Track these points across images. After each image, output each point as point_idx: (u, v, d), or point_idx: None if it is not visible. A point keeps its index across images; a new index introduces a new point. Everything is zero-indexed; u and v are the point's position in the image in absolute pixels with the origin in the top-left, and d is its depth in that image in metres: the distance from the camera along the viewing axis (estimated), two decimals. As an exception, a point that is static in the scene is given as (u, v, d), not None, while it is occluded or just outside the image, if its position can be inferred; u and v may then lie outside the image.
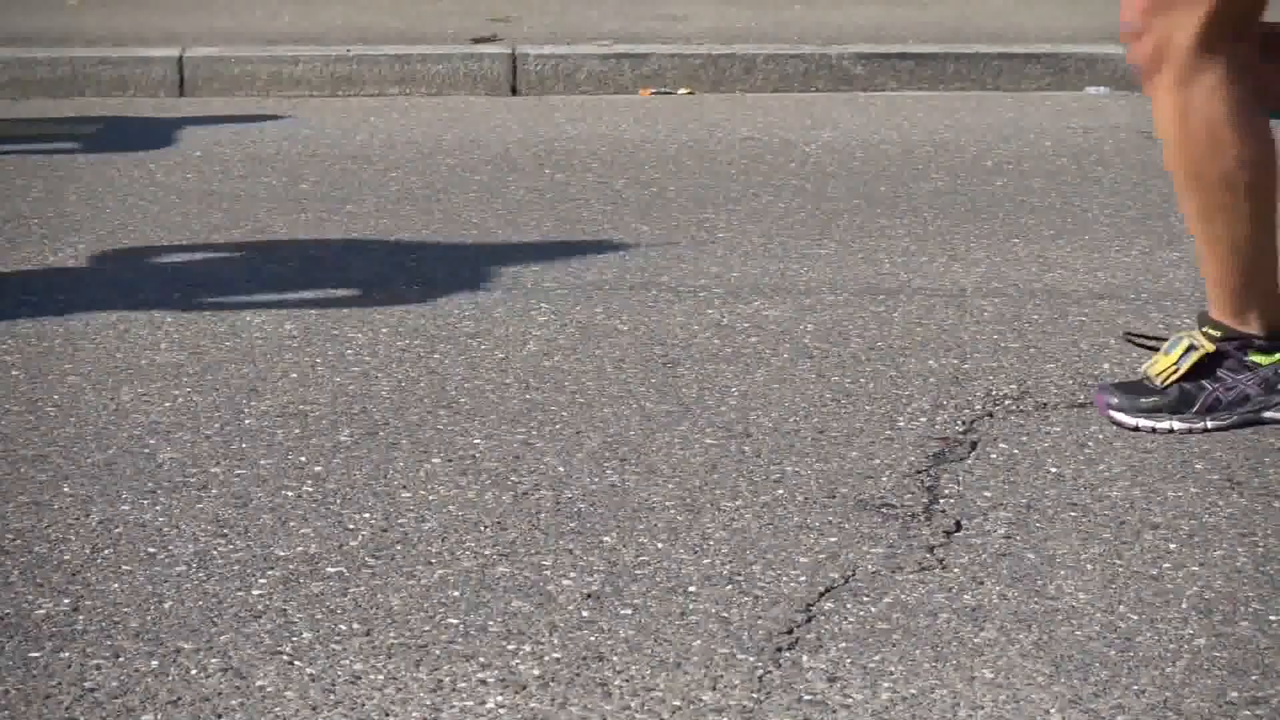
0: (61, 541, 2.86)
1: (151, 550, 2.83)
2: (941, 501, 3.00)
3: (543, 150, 5.94)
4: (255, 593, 2.68)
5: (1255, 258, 3.24)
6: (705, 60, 7.16)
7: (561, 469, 3.14)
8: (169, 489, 3.06)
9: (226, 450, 3.24)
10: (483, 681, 2.42)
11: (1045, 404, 3.46)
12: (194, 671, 2.44)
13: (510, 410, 3.43)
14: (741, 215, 5.03)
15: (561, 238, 4.78)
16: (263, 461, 3.18)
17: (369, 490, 3.06)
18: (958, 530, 2.89)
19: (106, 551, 2.82)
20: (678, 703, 2.36)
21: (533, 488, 3.06)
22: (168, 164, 5.75)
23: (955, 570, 2.74)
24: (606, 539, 2.86)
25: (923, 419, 3.38)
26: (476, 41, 7.37)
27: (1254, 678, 2.42)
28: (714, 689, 2.39)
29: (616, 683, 2.41)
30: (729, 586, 2.69)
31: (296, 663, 2.46)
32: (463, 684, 2.41)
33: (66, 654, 2.49)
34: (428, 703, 2.36)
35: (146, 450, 3.24)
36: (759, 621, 2.58)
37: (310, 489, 3.06)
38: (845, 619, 2.59)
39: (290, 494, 3.04)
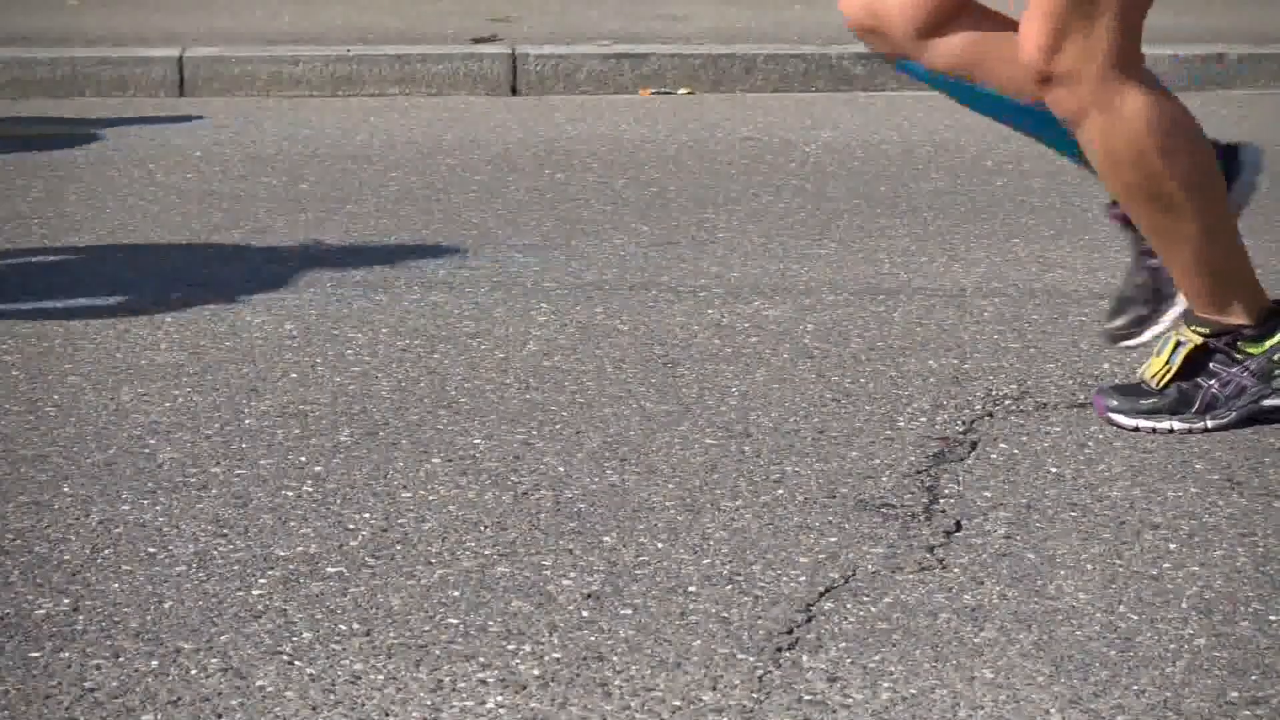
0: (61, 541, 2.86)
1: (151, 550, 2.83)
2: (941, 501, 3.00)
3: (543, 150, 5.94)
4: (255, 593, 2.68)
5: (1225, 246, 3.25)
6: (705, 60, 7.16)
7: (561, 469, 3.15)
8: (169, 489, 3.07)
9: (226, 450, 3.24)
10: (483, 681, 2.42)
11: (1045, 404, 3.46)
12: (194, 671, 2.44)
13: (510, 410, 3.43)
14: (741, 215, 5.03)
15: (561, 238, 4.78)
16: (263, 461, 3.18)
17: (369, 490, 3.06)
18: (958, 530, 2.89)
19: (106, 551, 2.82)
20: (678, 703, 2.36)
21: (533, 488, 3.06)
22: (168, 164, 5.75)
23: (955, 570, 2.75)
24: (606, 539, 2.86)
25: (923, 419, 3.38)
26: (476, 41, 7.37)
27: (1254, 678, 2.42)
28: (714, 689, 2.39)
29: (616, 683, 2.41)
30: (729, 586, 2.69)
31: (296, 663, 2.46)
32: (463, 684, 2.41)
33: (66, 654, 2.49)
34: (428, 703, 2.36)
35: (146, 450, 3.24)
36: (759, 621, 2.58)
37: (310, 489, 3.06)
38: (845, 619, 2.59)
39: (290, 494, 3.04)
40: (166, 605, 2.64)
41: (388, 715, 2.34)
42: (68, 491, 3.06)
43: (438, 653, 2.49)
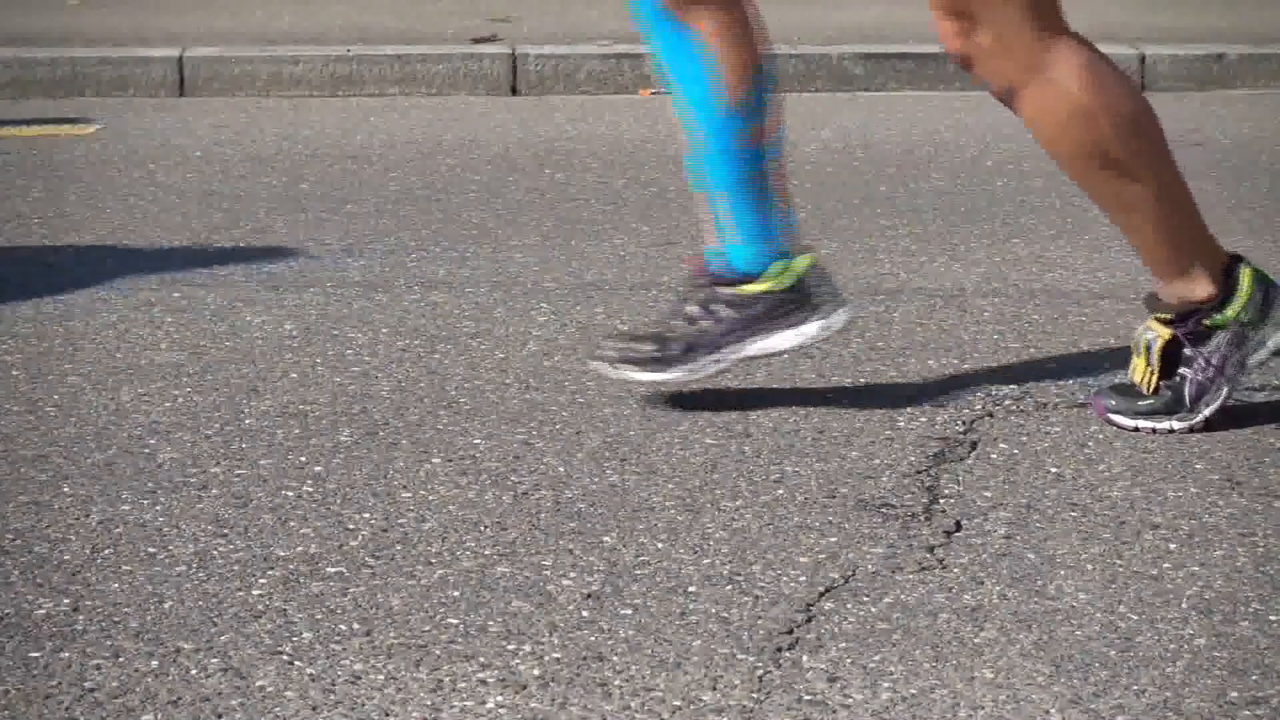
0: (61, 541, 2.86)
1: (151, 550, 2.83)
2: (941, 501, 3.00)
3: (543, 150, 5.94)
4: (255, 593, 2.68)
5: (1181, 207, 3.22)
6: (705, 60, 7.15)
7: (561, 469, 3.15)
8: (169, 489, 3.07)
9: (226, 450, 3.24)
10: (483, 681, 2.42)
11: (1045, 404, 3.46)
12: (194, 671, 2.44)
13: (510, 410, 3.43)
14: (741, 215, 5.02)
15: (561, 238, 4.78)
16: (263, 461, 3.18)
17: (369, 490, 3.06)
18: (958, 530, 2.89)
19: (106, 551, 2.82)
20: (678, 703, 2.36)
21: (533, 488, 3.06)
22: (168, 164, 5.75)
23: (955, 570, 2.75)
24: (606, 539, 2.86)
25: (923, 419, 3.38)
26: (476, 41, 7.37)
27: (1254, 678, 2.42)
28: (714, 689, 2.39)
29: (616, 683, 2.41)
30: (729, 586, 2.69)
31: (296, 663, 2.46)
32: (463, 684, 2.41)
33: (66, 654, 2.49)
34: (428, 703, 2.36)
35: (146, 450, 3.24)
36: (759, 621, 2.58)
37: (310, 489, 3.06)
38: (845, 619, 2.59)
39: (290, 494, 3.04)
40: (166, 605, 2.64)
41: (388, 715, 2.34)
42: (68, 491, 3.06)
43: (438, 653, 2.49)
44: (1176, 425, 3.28)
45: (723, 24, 3.26)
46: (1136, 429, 3.29)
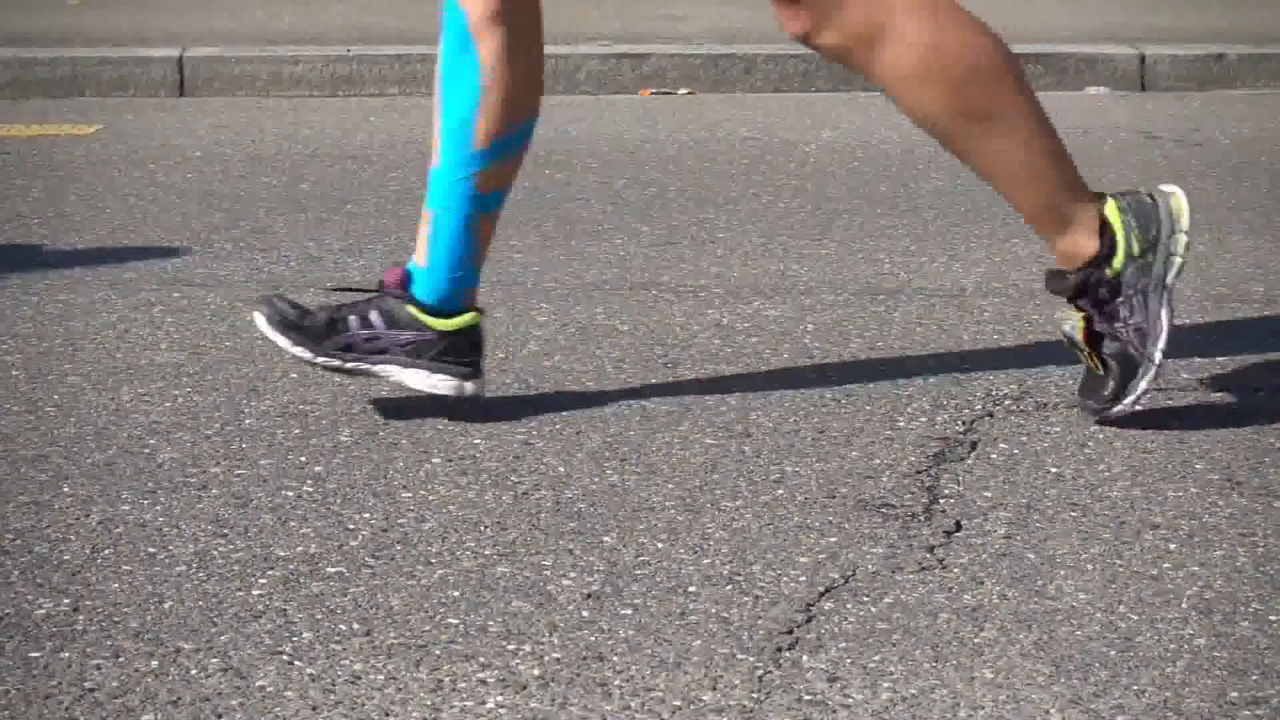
0: (61, 541, 2.86)
1: (151, 550, 2.83)
2: (941, 501, 3.00)
3: (543, 150, 5.94)
4: (255, 593, 2.68)
5: (1049, 152, 3.18)
6: (705, 60, 7.16)
7: (561, 469, 3.15)
8: (169, 489, 3.07)
9: (226, 450, 3.24)
10: (483, 681, 2.42)
11: (1045, 404, 3.46)
12: (194, 671, 2.44)
13: (510, 410, 3.43)
14: (741, 215, 5.03)
15: (561, 238, 4.78)
16: (263, 461, 3.18)
17: (369, 490, 3.06)
18: (958, 530, 2.89)
19: (106, 551, 2.82)
20: (678, 703, 2.36)
21: (533, 488, 3.07)
22: (168, 164, 5.75)
23: (955, 570, 2.75)
24: (606, 539, 2.86)
25: (923, 419, 3.38)
26: (476, 41, 7.37)
27: (1254, 678, 2.42)
28: (714, 689, 2.39)
29: (616, 683, 2.41)
30: (729, 586, 2.69)
31: (296, 663, 2.46)
32: (463, 684, 2.41)
33: (66, 654, 2.49)
34: (428, 703, 2.36)
35: (146, 450, 3.24)
36: (759, 621, 2.58)
37: (310, 489, 3.06)
38: (845, 619, 2.59)
39: (290, 494, 3.05)
40: (166, 605, 2.64)
41: (388, 715, 2.34)
42: (68, 491, 3.06)
43: (438, 653, 2.49)
44: (1145, 386, 3.23)
45: (511, 70, 3.26)
46: (1136, 409, 3.24)
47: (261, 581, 2.71)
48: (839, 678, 2.42)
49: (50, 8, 8.25)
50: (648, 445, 3.25)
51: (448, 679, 2.42)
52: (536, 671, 2.44)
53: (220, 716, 2.33)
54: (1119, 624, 2.57)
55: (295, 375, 3.64)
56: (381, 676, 2.43)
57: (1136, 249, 3.23)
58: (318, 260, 4.54)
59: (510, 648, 2.51)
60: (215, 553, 2.82)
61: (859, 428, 3.34)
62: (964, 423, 3.36)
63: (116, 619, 2.59)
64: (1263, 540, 2.85)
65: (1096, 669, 2.44)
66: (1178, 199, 3.28)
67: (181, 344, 3.86)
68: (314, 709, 2.35)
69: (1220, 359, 3.71)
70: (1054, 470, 3.14)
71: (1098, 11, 8.11)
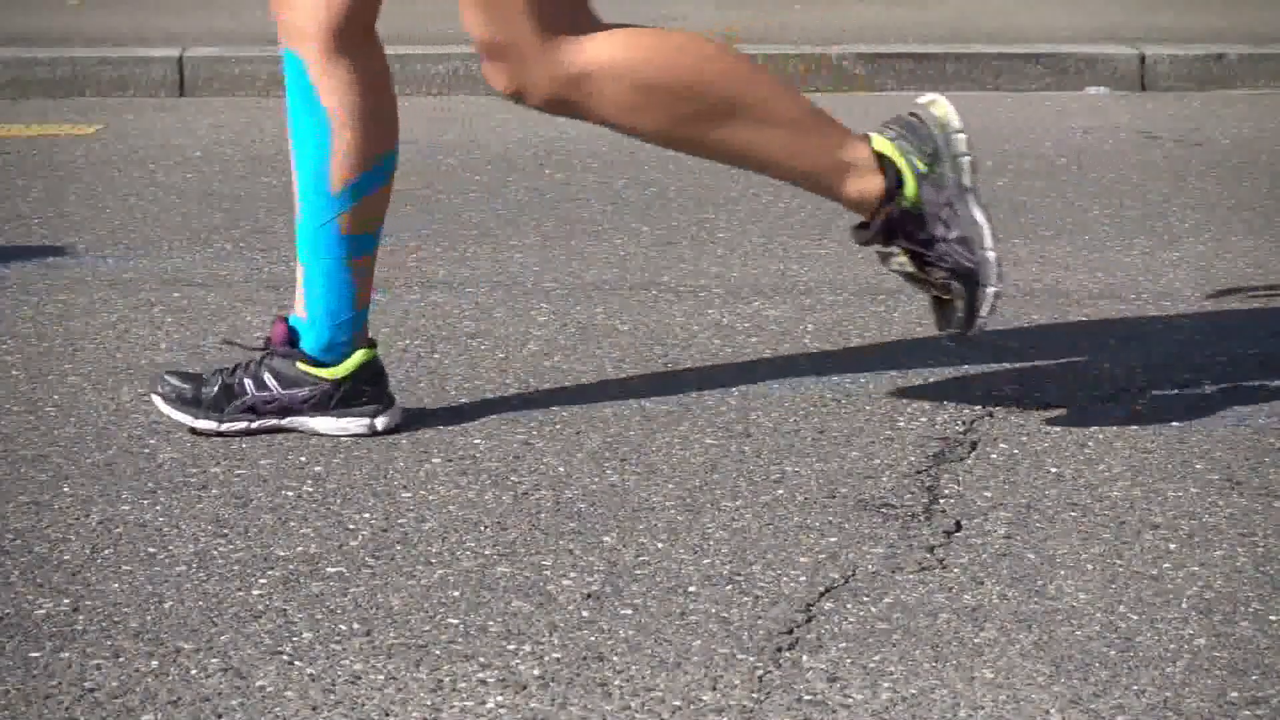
0: (61, 541, 2.86)
1: (151, 550, 2.83)
2: (941, 501, 3.00)
3: (543, 150, 5.94)
4: (255, 593, 2.68)
5: (800, 121, 3.13)
6: (705, 60, 7.15)
7: (561, 469, 3.15)
8: (169, 489, 3.07)
9: (226, 450, 3.24)
10: (483, 681, 2.42)
11: (1045, 404, 3.46)
12: (194, 671, 2.44)
13: (510, 410, 3.43)
14: (741, 215, 5.03)
15: (561, 238, 4.78)
16: (263, 461, 3.18)
17: (369, 490, 3.06)
18: (958, 530, 2.89)
19: (106, 551, 2.82)
20: (678, 703, 2.36)
21: (533, 488, 3.07)
22: (168, 164, 5.75)
23: (955, 570, 2.75)
24: (606, 539, 2.86)
25: (923, 419, 3.38)
26: (476, 41, 7.37)
27: (1254, 678, 2.42)
28: (714, 689, 2.39)
29: (616, 683, 2.41)
30: (729, 586, 2.69)
31: (296, 663, 2.46)
32: (463, 684, 2.41)
33: (66, 654, 2.49)
34: (428, 703, 2.36)
35: (146, 450, 3.24)
36: (759, 621, 2.58)
37: (310, 489, 3.06)
38: (845, 619, 2.59)
39: (290, 494, 3.05)
40: (166, 605, 2.64)
41: (388, 715, 2.34)
42: (68, 491, 3.06)
43: (438, 653, 2.49)
44: (994, 288, 3.19)
45: (359, 114, 3.23)
46: (990, 316, 3.21)
47: (261, 581, 2.71)
48: (839, 678, 2.42)
49: (50, 8, 8.25)
50: (648, 445, 3.25)
51: (448, 679, 2.42)
52: (536, 671, 2.44)
53: (220, 716, 2.33)
54: (1119, 624, 2.57)
55: (295, 375, 3.64)
56: (381, 676, 2.43)
57: (923, 167, 3.18)
58: (318, 260, 4.54)
59: (510, 648, 2.51)
60: (215, 553, 2.82)
61: (859, 428, 3.34)
62: (964, 423, 3.36)
63: (116, 619, 2.59)
64: (1263, 540, 2.85)
65: (1096, 669, 2.44)
66: (939, 104, 3.23)
67: (181, 344, 3.86)
68: (314, 709, 2.35)
69: (1220, 359, 3.71)
70: (1054, 470, 3.14)
71: (1098, 11, 8.11)
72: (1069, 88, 7.15)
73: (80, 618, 2.59)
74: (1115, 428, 3.33)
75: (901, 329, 3.95)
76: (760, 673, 2.43)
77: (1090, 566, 2.76)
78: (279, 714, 2.34)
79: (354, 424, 3.29)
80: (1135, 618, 2.59)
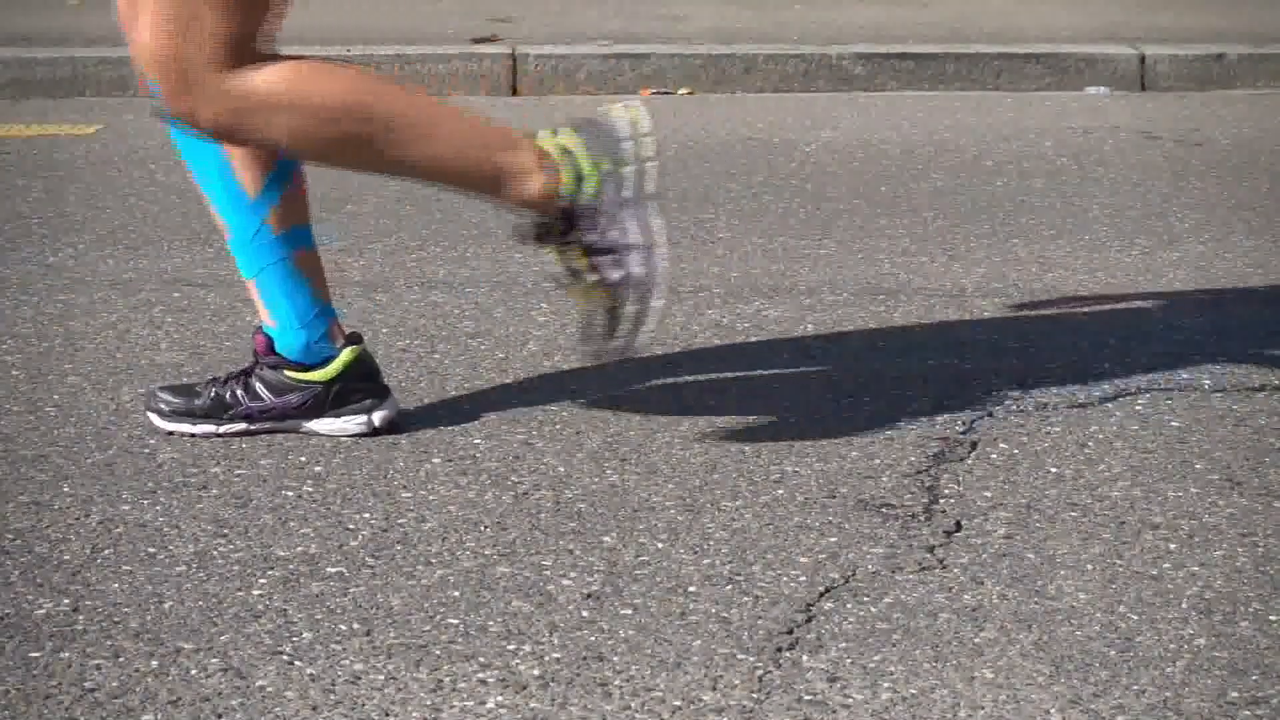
0: (61, 541, 2.86)
1: (151, 550, 2.83)
2: (941, 501, 3.00)
3: (543, 150, 5.93)
4: (255, 593, 2.68)
5: (458, 132, 3.11)
6: (705, 60, 7.16)
7: (561, 469, 3.15)
8: (169, 489, 3.07)
9: (226, 450, 3.24)
10: (483, 681, 2.42)
11: (1045, 404, 3.46)
12: (194, 671, 2.44)
13: (510, 410, 3.43)
14: (741, 215, 5.03)
15: (561, 238, 4.77)
16: (263, 461, 3.18)
17: (369, 490, 3.06)
18: (958, 530, 2.89)
19: (106, 551, 2.82)
20: (678, 703, 2.36)
21: (533, 488, 3.07)
22: (168, 164, 5.74)
23: (955, 570, 2.75)
24: (606, 539, 2.86)
25: (923, 419, 3.38)
26: (476, 41, 7.37)
27: (1254, 678, 2.42)
28: (714, 689, 2.39)
29: (616, 683, 2.41)
30: (729, 586, 2.69)
31: (296, 663, 2.46)
32: (463, 684, 2.41)
33: (66, 654, 2.49)
34: (428, 703, 2.36)
35: (146, 450, 3.24)
36: (759, 621, 2.58)
37: (310, 489, 3.06)
38: (845, 619, 2.59)
39: (290, 494, 3.05)
40: (166, 605, 2.64)
41: (388, 715, 2.34)
42: (68, 491, 3.06)
43: (438, 653, 2.49)
44: (662, 301, 3.13)
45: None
46: (643, 341, 3.15)
47: (261, 581, 2.71)
48: (839, 678, 2.42)
49: (50, 8, 8.25)
50: (648, 445, 3.25)
51: (448, 679, 2.42)
52: (536, 671, 2.44)
53: (220, 716, 2.33)
54: (1119, 624, 2.57)
55: (295, 375, 3.64)
56: (381, 676, 2.43)
57: (606, 164, 3.12)
58: (318, 260, 4.54)
59: (510, 648, 2.51)
60: (215, 553, 2.82)
61: (859, 428, 3.34)
62: (964, 423, 3.36)
63: (116, 619, 2.59)
64: (1263, 540, 2.85)
65: (1096, 669, 2.44)
66: (632, 109, 3.17)
67: (181, 344, 3.86)
68: (314, 709, 2.35)
69: (1220, 359, 3.71)
70: (1054, 470, 3.14)
71: (1098, 11, 8.11)
72: (1069, 88, 7.15)
73: (80, 618, 2.60)
74: (1115, 428, 3.33)
75: (901, 329, 3.95)
76: (760, 673, 2.43)
77: (1090, 566, 2.76)
78: (279, 714, 2.34)
79: (352, 423, 3.29)
80: (1135, 618, 2.59)
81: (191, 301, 4.18)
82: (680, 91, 7.12)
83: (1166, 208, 5.08)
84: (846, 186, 5.40)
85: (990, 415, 3.40)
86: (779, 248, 4.67)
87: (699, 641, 2.52)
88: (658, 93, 7.10)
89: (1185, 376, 3.61)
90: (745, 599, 2.65)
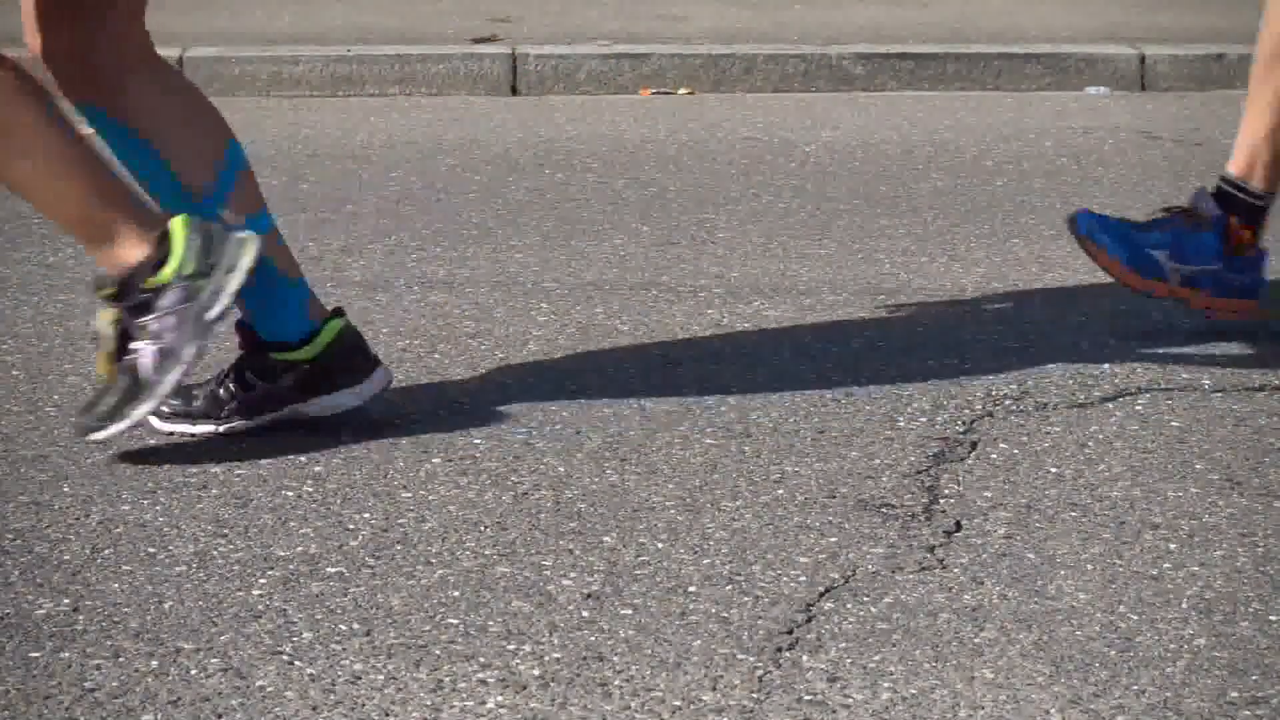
0: (61, 541, 2.86)
1: (151, 550, 2.83)
2: (941, 501, 3.00)
3: (543, 150, 5.94)
4: (255, 593, 2.68)
5: (74, 177, 3.12)
6: (705, 60, 7.16)
7: (561, 469, 3.15)
8: (169, 489, 3.07)
9: (226, 450, 3.24)
10: (483, 681, 2.42)
11: (1045, 404, 3.46)
12: (194, 671, 2.44)
13: (510, 410, 3.43)
14: (741, 215, 5.03)
15: (561, 238, 4.78)
16: (263, 461, 3.18)
17: (369, 490, 3.06)
18: (958, 530, 2.89)
19: (106, 551, 2.82)
20: (678, 703, 2.36)
21: (533, 488, 3.07)
22: (168, 164, 5.74)
23: (955, 570, 2.75)
24: (606, 539, 2.86)
25: (923, 419, 3.38)
26: (476, 41, 7.38)
27: (1254, 678, 2.42)
28: (714, 689, 2.39)
29: (616, 683, 2.41)
30: (729, 586, 2.69)
31: (296, 663, 2.46)
32: (463, 684, 2.41)
33: (66, 654, 2.49)
34: (428, 703, 2.36)
35: (146, 450, 3.24)
36: (759, 621, 2.58)
37: (310, 489, 3.06)
38: (845, 619, 2.59)
39: (290, 494, 3.05)
40: (166, 605, 2.64)
41: (388, 715, 2.34)
42: (68, 491, 3.06)
43: (438, 653, 2.49)
44: (143, 410, 3.13)
45: (172, 123, 3.24)
46: (123, 431, 3.15)
47: (261, 581, 2.71)
48: (839, 678, 2.42)
49: (50, 8, 8.24)
50: (648, 445, 3.25)
51: (448, 679, 2.42)
52: (536, 671, 2.44)
53: (220, 716, 2.33)
54: (1119, 624, 2.57)
55: (295, 375, 3.64)
56: (381, 676, 2.43)
57: (190, 269, 3.13)
58: (318, 260, 4.54)
59: (510, 648, 2.51)
60: (215, 553, 2.82)
61: (859, 428, 3.34)
62: (964, 423, 3.36)
63: (116, 619, 2.59)
64: (1263, 540, 2.85)
65: (1096, 669, 2.44)
66: (250, 243, 3.18)
67: (181, 344, 3.86)
68: (314, 709, 2.35)
69: (1220, 359, 3.71)
70: (1054, 470, 3.14)
71: (1098, 11, 8.11)
72: (1069, 88, 7.15)
73: (80, 618, 2.59)
74: (1115, 428, 3.33)
75: (902, 329, 3.95)
76: (760, 673, 2.43)
77: (1090, 566, 2.76)
78: (279, 714, 2.34)
79: (345, 397, 3.30)
80: (1135, 618, 2.59)
81: (191, 301, 4.17)
82: (680, 91, 7.12)
83: (1166, 208, 5.07)
84: (846, 186, 5.40)
85: (990, 415, 3.40)
86: (779, 248, 4.67)
87: (699, 641, 2.52)
88: (658, 93, 7.10)
89: (1185, 376, 3.61)
90: (745, 599, 2.65)
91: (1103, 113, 6.68)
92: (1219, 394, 3.51)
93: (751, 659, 2.47)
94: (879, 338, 3.89)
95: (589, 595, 2.66)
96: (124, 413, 3.14)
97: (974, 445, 3.25)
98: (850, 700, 2.37)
